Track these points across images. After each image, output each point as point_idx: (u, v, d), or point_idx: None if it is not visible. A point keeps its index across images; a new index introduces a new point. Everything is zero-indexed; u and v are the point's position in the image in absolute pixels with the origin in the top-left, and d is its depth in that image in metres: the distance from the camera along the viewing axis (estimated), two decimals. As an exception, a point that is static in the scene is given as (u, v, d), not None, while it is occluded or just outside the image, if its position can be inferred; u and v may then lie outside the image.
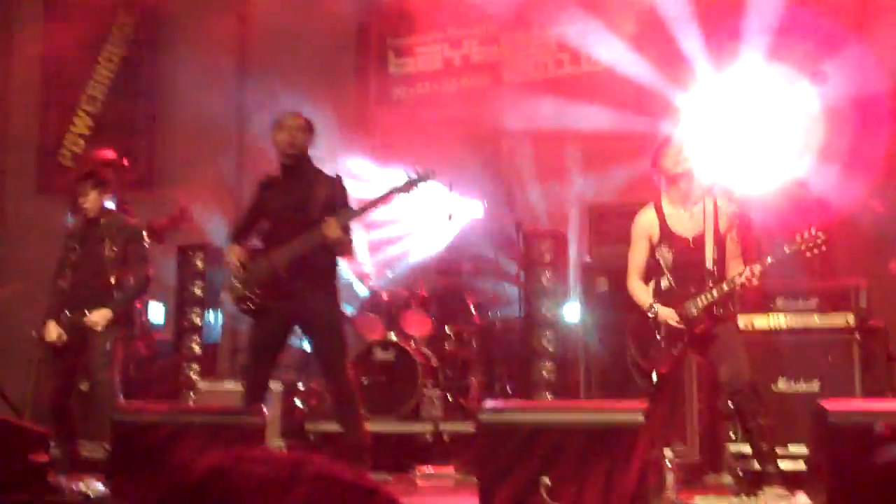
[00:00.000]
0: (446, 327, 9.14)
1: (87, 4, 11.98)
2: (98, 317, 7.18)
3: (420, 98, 11.39)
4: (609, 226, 8.42)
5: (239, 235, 6.86)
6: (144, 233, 7.49)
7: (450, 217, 8.96)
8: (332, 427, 8.56)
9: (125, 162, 10.39)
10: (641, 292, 6.50)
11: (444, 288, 9.40)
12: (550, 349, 8.76)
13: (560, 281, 9.01)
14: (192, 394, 8.97)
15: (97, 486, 6.42)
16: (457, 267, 9.45)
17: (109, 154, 10.44)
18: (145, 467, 6.06)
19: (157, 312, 9.80)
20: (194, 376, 9.27)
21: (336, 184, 6.64)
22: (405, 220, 9.78)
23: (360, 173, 9.68)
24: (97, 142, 11.62)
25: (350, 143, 10.47)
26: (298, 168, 6.67)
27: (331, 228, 6.33)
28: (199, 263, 9.70)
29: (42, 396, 7.51)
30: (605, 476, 5.31)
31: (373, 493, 1.20)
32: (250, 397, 6.64)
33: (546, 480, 5.30)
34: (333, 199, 6.55)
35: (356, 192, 7.17)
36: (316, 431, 8.60)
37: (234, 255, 6.65)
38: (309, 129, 6.73)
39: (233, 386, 8.80)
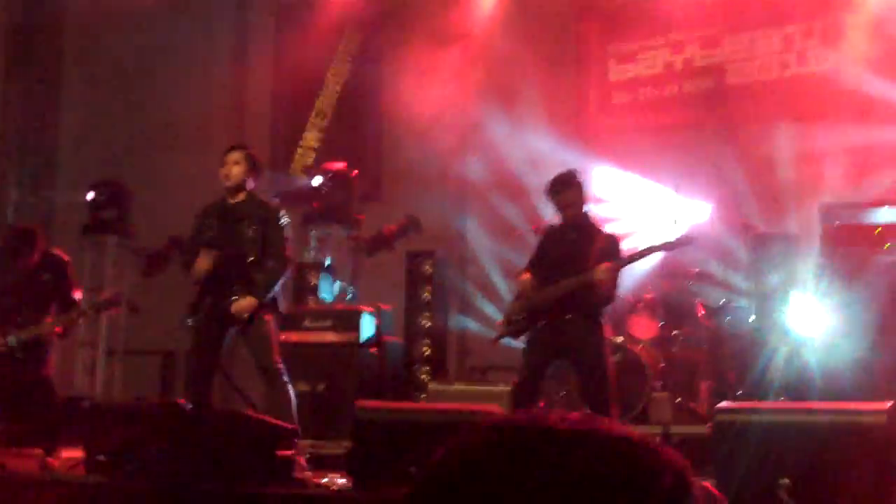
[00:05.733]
0: (674, 330, 9.09)
1: (316, 23, 12.42)
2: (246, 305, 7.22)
3: (642, 104, 11.36)
4: (844, 227, 8.23)
5: (529, 269, 7.42)
6: (283, 213, 7.50)
7: (675, 221, 8.93)
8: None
9: (354, 173, 10.76)
10: None
11: (671, 291, 9.35)
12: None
13: (790, 283, 8.82)
14: (423, 395, 9.19)
15: (340, 481, 6.66)
16: (683, 270, 9.36)
17: (339, 166, 10.83)
18: (388, 462, 6.28)
19: (387, 316, 10.05)
20: (425, 378, 9.52)
21: (611, 239, 7.29)
22: (631, 224, 9.77)
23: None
24: (327, 155, 12.05)
25: (570, 151, 10.52)
26: (578, 222, 7.31)
27: (600, 272, 6.94)
28: (428, 269, 9.94)
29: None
30: (846, 478, 5.22)
31: (659, 452, 1.24)
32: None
33: (786, 481, 5.24)
34: (607, 251, 7.14)
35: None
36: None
37: (523, 284, 7.34)
38: (572, 187, 7.27)
39: (462, 387, 9.01)
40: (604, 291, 7.03)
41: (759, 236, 9.12)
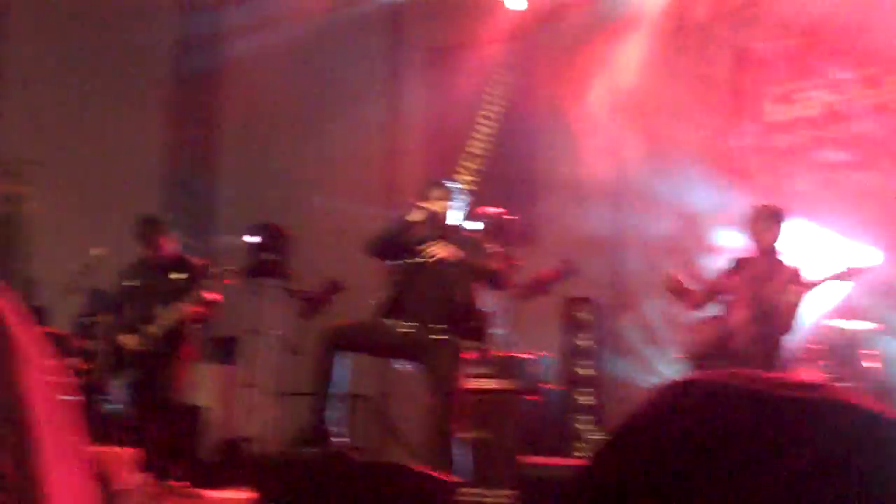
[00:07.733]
0: (842, 384, 8.82)
1: (466, 65, 12.50)
2: None
3: (800, 145, 11.10)
4: None
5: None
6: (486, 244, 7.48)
7: (844, 266, 8.67)
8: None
9: (512, 218, 10.74)
10: None
11: (839, 342, 9.06)
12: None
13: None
14: (583, 445, 9.09)
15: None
16: (852, 317, 9.07)
17: (495, 210, 10.83)
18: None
19: (548, 363, 9.96)
20: (584, 427, 9.40)
21: (796, 270, 7.73)
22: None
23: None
24: (481, 198, 12.05)
25: (729, 194, 10.35)
26: (767, 254, 7.84)
27: (791, 295, 7.52)
28: (585, 315, 9.85)
29: None
30: None
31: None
32: None
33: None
34: (794, 281, 7.63)
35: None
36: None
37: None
38: (776, 219, 7.88)
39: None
40: (789, 318, 7.58)
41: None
